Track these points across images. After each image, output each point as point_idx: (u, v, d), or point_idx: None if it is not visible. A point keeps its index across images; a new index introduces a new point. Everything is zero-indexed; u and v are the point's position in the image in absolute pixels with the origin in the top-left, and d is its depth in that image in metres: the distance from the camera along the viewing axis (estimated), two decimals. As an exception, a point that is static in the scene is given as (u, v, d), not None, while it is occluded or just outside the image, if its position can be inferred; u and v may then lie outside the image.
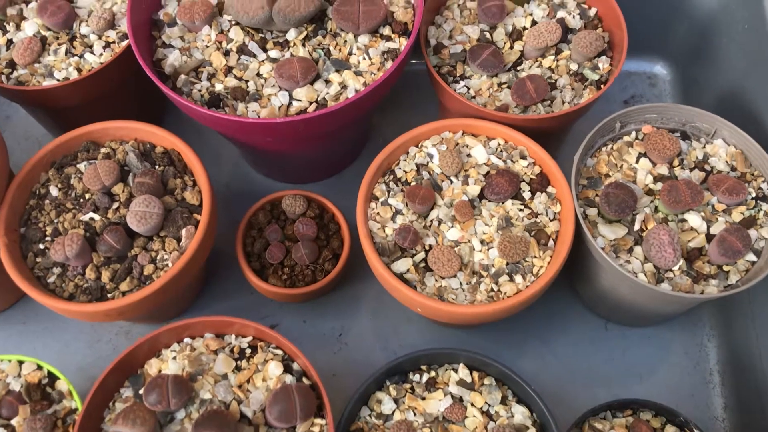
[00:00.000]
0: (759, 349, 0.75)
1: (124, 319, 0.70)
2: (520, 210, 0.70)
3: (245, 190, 0.90)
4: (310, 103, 0.71)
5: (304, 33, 0.74)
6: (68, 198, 0.72)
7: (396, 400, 0.67)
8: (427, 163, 0.73)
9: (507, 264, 0.67)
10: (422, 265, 0.68)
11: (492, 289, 0.67)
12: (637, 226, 0.69)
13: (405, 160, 0.74)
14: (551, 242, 0.69)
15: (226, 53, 0.74)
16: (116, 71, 0.77)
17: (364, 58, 0.73)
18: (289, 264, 0.75)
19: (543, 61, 0.77)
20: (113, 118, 0.77)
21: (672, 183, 0.69)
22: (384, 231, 0.69)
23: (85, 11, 0.80)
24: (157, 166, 0.74)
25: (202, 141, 0.91)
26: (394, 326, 0.81)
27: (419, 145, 0.75)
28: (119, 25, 0.79)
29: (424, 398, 0.67)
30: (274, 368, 0.64)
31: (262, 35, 0.74)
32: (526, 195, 0.71)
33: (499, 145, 0.73)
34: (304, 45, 0.73)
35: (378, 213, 0.70)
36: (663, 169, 0.72)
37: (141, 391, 0.63)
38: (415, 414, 0.65)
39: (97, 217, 0.70)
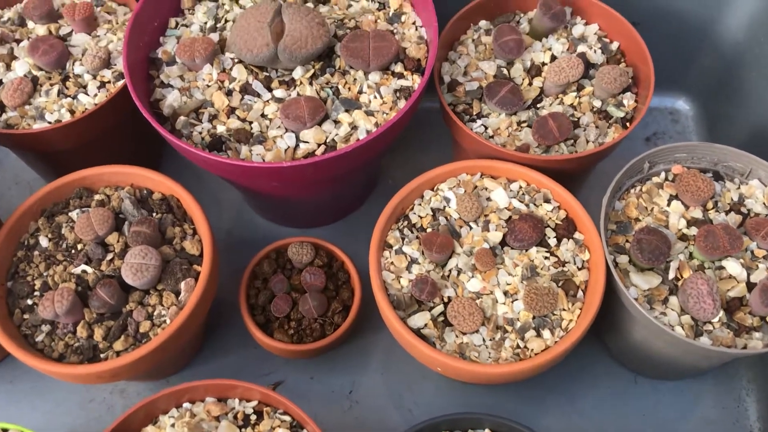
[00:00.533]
0: (804, 405, 0.69)
1: (119, 380, 0.65)
2: (546, 258, 0.65)
3: (248, 237, 0.85)
4: (319, 145, 0.67)
5: (311, 71, 0.69)
6: (59, 249, 0.67)
7: (415, 469, 0.61)
8: (444, 207, 0.68)
9: (533, 318, 0.62)
10: (441, 319, 0.63)
11: (518, 346, 0.62)
12: (671, 275, 0.64)
13: (420, 205, 0.69)
14: (580, 293, 0.64)
15: (229, 93, 0.69)
16: (111, 113, 0.73)
17: (375, 97, 0.68)
18: (296, 317, 0.70)
19: (564, 98, 0.72)
20: (108, 161, 0.72)
21: (708, 228, 0.64)
22: (399, 282, 0.64)
23: (79, 50, 0.76)
24: (154, 214, 0.69)
25: (202, 184, 0.86)
26: (407, 382, 0.76)
27: (435, 188, 0.70)
28: (115, 64, 0.75)
29: (445, 466, 0.61)
30: (282, 436, 0.58)
31: (267, 74, 0.70)
32: (552, 242, 0.66)
33: (520, 187, 0.69)
34: (311, 84, 0.69)
35: (392, 262, 0.65)
36: (697, 213, 0.67)
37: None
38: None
39: (89, 269, 0.65)
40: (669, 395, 0.75)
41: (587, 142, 0.71)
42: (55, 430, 0.71)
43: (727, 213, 0.67)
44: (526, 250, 0.65)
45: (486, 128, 0.71)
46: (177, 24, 0.75)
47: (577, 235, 0.66)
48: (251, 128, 0.68)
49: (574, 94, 0.72)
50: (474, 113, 0.72)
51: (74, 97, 0.73)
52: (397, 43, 0.69)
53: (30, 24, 0.78)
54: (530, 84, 0.73)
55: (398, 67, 0.70)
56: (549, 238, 0.66)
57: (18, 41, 0.77)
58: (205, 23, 0.74)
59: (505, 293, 0.63)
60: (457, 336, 0.62)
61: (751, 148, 0.70)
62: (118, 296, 0.63)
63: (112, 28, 0.78)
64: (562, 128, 0.68)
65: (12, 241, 0.67)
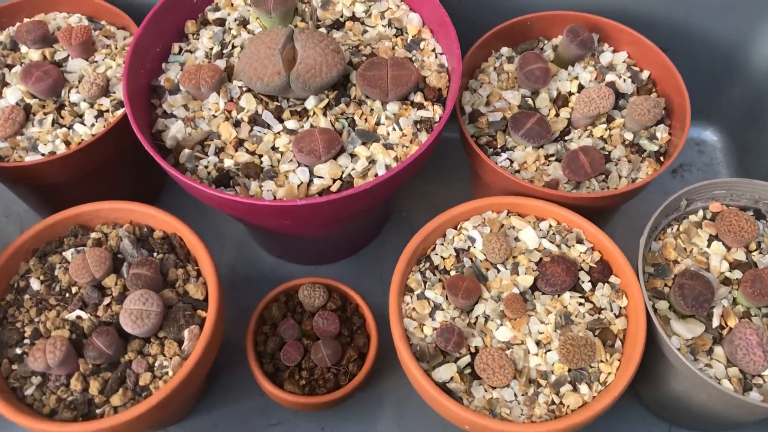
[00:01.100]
0: None
1: (116, 437, 0.59)
2: (581, 304, 0.60)
3: (254, 274, 0.80)
4: (334, 180, 0.62)
5: (325, 101, 0.65)
6: (51, 292, 0.62)
7: None
8: (469, 248, 0.63)
9: (569, 370, 0.57)
10: (468, 371, 0.58)
11: (553, 402, 0.57)
12: (715, 322, 0.59)
13: (442, 245, 0.64)
14: (618, 343, 0.59)
15: (237, 124, 0.64)
16: (110, 144, 0.68)
17: (394, 129, 0.63)
18: (308, 366, 0.65)
19: (594, 130, 0.68)
20: (105, 193, 0.68)
21: (755, 272, 0.59)
22: (422, 330, 0.59)
23: (76, 76, 0.71)
24: (155, 254, 0.64)
25: (204, 216, 0.81)
26: (425, 434, 0.71)
27: (458, 226, 0.65)
28: (114, 92, 0.70)
29: None
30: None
31: (278, 103, 0.65)
32: (586, 286, 0.61)
33: (550, 227, 0.64)
34: (325, 114, 0.64)
35: (414, 308, 0.60)
36: (739, 255, 0.62)
37: None
38: None
39: (84, 315, 0.60)
40: (706, 447, 0.70)
41: (620, 177, 0.66)
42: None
43: (771, 255, 0.63)
44: (559, 296, 0.60)
45: (512, 162, 0.67)
46: (180, 50, 0.70)
47: (612, 279, 0.61)
48: (261, 162, 0.63)
49: (604, 126, 0.68)
50: (498, 146, 0.68)
51: (70, 127, 0.68)
52: (417, 71, 0.64)
53: (23, 48, 0.73)
54: (557, 115, 0.69)
55: (418, 97, 0.65)
56: (583, 282, 0.61)
57: (10, 66, 0.72)
58: (211, 49, 0.69)
59: (538, 343, 0.58)
60: (486, 390, 0.57)
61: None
62: (116, 345, 0.58)
63: (111, 53, 0.73)
64: (594, 163, 0.64)
65: (1, 283, 0.62)
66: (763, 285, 0.58)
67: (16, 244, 0.63)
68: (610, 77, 0.71)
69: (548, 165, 0.66)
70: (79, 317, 0.60)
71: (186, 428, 0.71)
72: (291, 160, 0.62)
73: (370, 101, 0.65)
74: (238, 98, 0.65)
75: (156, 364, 0.59)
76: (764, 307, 0.60)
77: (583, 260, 0.62)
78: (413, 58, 0.68)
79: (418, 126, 0.64)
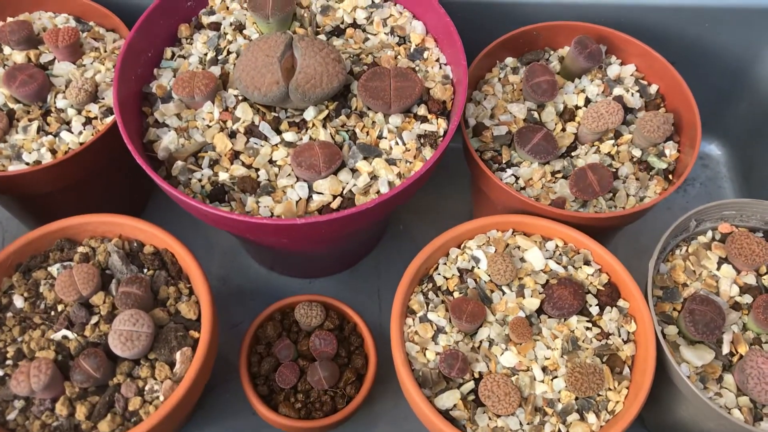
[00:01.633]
0: None
1: (102, 464, 0.57)
2: (588, 329, 0.58)
3: (246, 286, 0.77)
4: (334, 196, 0.59)
5: (325, 112, 0.62)
6: (36, 310, 0.59)
7: None
8: (473, 268, 0.61)
9: (576, 398, 0.55)
10: (472, 398, 0.56)
11: (559, 431, 0.55)
12: (725, 349, 0.58)
13: (445, 264, 0.62)
14: (626, 369, 0.57)
15: (232, 135, 0.62)
16: (98, 154, 0.65)
17: (397, 143, 0.61)
18: (304, 389, 0.62)
19: (601, 146, 0.66)
20: (91, 203, 0.65)
21: (767, 298, 0.58)
22: (425, 355, 0.57)
23: (62, 80, 0.68)
24: (145, 270, 0.61)
25: (193, 226, 0.78)
26: (424, 455, 0.68)
27: (461, 245, 0.63)
28: (103, 98, 0.67)
29: None
30: None
31: (275, 114, 0.62)
32: (594, 310, 0.59)
33: (557, 247, 0.62)
34: (325, 126, 0.62)
35: (416, 332, 0.58)
36: (750, 278, 0.61)
37: None
38: None
39: (71, 335, 0.57)
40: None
41: (627, 195, 0.64)
42: None
43: (782, 279, 0.61)
44: (566, 319, 0.58)
45: (517, 179, 0.65)
46: (173, 55, 0.67)
47: (621, 302, 0.60)
48: (258, 176, 0.60)
49: (612, 141, 0.66)
50: (503, 161, 0.66)
51: (56, 135, 0.65)
52: (421, 83, 0.62)
53: (6, 49, 0.69)
54: (563, 130, 0.67)
55: (421, 110, 0.63)
56: (590, 305, 0.59)
57: (-8, 69, 0.68)
58: (205, 54, 0.66)
59: (544, 369, 0.56)
60: (490, 419, 0.55)
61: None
62: (104, 368, 0.55)
63: (100, 56, 0.70)
64: (603, 182, 0.62)
65: (-18, 300, 0.59)
66: (775, 311, 0.57)
67: (-2, 258, 0.60)
68: (617, 91, 0.69)
69: (555, 182, 0.64)
70: (65, 337, 0.57)
71: (175, 448, 0.68)
72: (289, 175, 0.60)
73: (372, 113, 0.62)
74: (234, 107, 0.62)
75: (146, 388, 0.56)
76: (775, 333, 0.58)
77: (591, 283, 0.60)
78: (416, 68, 0.65)
79: (422, 140, 0.61)
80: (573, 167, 0.65)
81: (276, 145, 0.61)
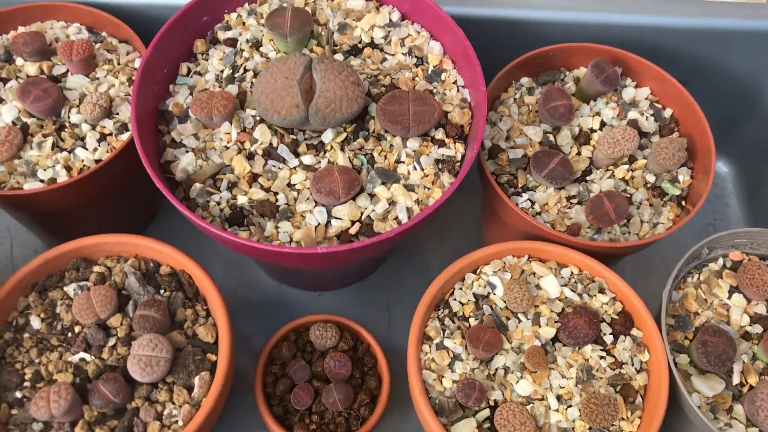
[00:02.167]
0: None
1: (121, 486, 0.57)
2: (602, 358, 0.59)
3: (255, 299, 0.77)
4: (353, 222, 0.59)
5: (343, 135, 0.62)
6: (53, 332, 0.59)
7: None
8: (488, 294, 0.61)
9: (590, 428, 0.56)
10: (487, 425, 0.57)
11: (574, 461, 0.56)
12: (735, 380, 0.59)
13: (461, 289, 0.62)
14: (639, 399, 0.58)
15: (250, 156, 0.61)
16: (113, 171, 0.65)
17: (415, 168, 0.61)
18: (318, 410, 0.63)
19: (615, 171, 0.66)
20: (102, 217, 0.65)
21: (778, 329, 0.59)
22: (441, 383, 0.58)
23: (76, 93, 0.67)
24: (162, 291, 0.61)
25: (202, 237, 0.78)
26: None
27: (477, 270, 0.63)
28: (117, 113, 0.67)
29: None
30: None
31: (294, 136, 0.62)
32: (608, 339, 0.60)
33: (572, 274, 0.63)
34: (343, 149, 0.62)
35: (433, 359, 0.59)
36: (760, 308, 0.62)
37: None
38: None
39: (89, 357, 0.58)
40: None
41: (642, 222, 0.65)
42: None
43: (792, 308, 0.62)
44: (580, 348, 0.59)
45: (533, 203, 0.65)
46: (189, 71, 0.66)
47: (634, 331, 0.60)
48: (276, 200, 0.60)
49: (626, 166, 0.66)
50: (519, 185, 0.66)
51: (71, 151, 0.64)
52: (440, 107, 0.62)
53: (19, 60, 0.69)
54: (579, 153, 0.67)
55: (439, 134, 0.63)
56: (605, 334, 0.60)
57: (5, 80, 0.68)
58: (222, 72, 0.66)
59: (559, 398, 0.57)
60: (506, 448, 0.56)
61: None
62: (123, 393, 0.56)
63: (113, 69, 0.69)
64: (619, 210, 0.62)
65: (-2, 320, 0.59)
66: (785, 343, 0.58)
67: (15, 278, 0.60)
68: (632, 114, 0.69)
69: (570, 207, 0.65)
70: (83, 359, 0.58)
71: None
72: (308, 199, 0.60)
73: (390, 136, 0.62)
74: (252, 128, 0.62)
75: (165, 413, 0.56)
76: (785, 364, 0.59)
77: (605, 311, 0.61)
78: (434, 90, 0.65)
79: (440, 166, 0.62)
80: (588, 192, 0.65)
81: (294, 168, 0.61)
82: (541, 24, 0.75)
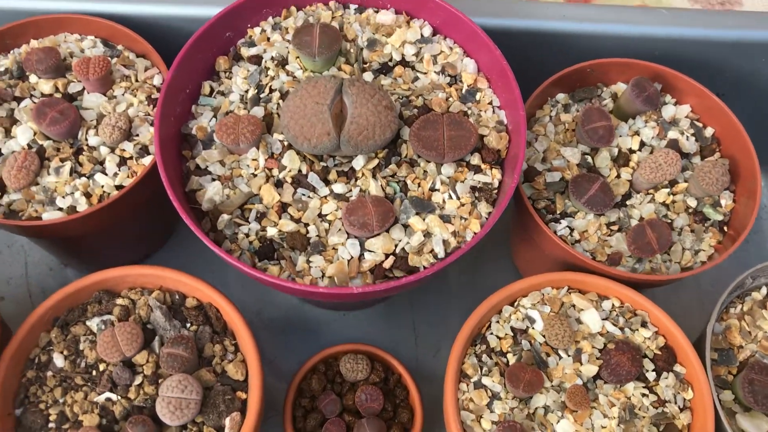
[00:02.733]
0: None
1: None
2: (644, 395, 0.57)
3: (278, 320, 0.75)
4: (387, 255, 0.57)
5: (375, 161, 0.59)
6: (77, 370, 0.57)
7: None
8: (527, 328, 0.59)
9: (634, 471, 0.55)
10: (527, 468, 0.55)
11: (618, 506, 0.54)
12: (782, 417, 0.57)
13: (498, 323, 0.60)
14: (683, 439, 0.57)
15: (278, 184, 0.59)
16: (134, 198, 0.62)
17: (450, 197, 0.58)
18: (351, 445, 0.61)
19: (656, 195, 0.64)
20: (122, 240, 0.62)
21: (826, 367, 0.57)
22: (480, 425, 0.56)
23: (93, 113, 0.64)
24: (188, 325, 0.59)
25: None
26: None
27: (515, 303, 0.61)
28: (137, 135, 0.64)
29: None
30: None
31: (324, 163, 0.60)
32: (650, 375, 0.58)
33: (614, 307, 0.60)
34: (374, 176, 0.59)
35: (471, 399, 0.57)
36: (806, 341, 0.60)
37: None
38: None
39: (115, 397, 0.56)
40: None
41: (683, 250, 0.62)
42: None
43: (838, 341, 0.60)
44: (622, 386, 0.57)
45: (572, 230, 0.63)
46: (212, 90, 0.63)
47: (677, 367, 0.58)
48: (307, 232, 0.57)
49: (667, 190, 0.64)
50: (557, 211, 0.63)
51: (90, 177, 0.62)
52: (476, 131, 0.59)
53: (32, 77, 0.65)
54: (618, 176, 0.65)
55: (475, 159, 0.60)
56: (647, 371, 0.58)
57: (19, 99, 0.65)
58: (246, 91, 0.63)
59: (601, 439, 0.56)
60: (547, 492, 0.54)
61: None
62: (152, 436, 0.54)
63: (131, 86, 0.66)
64: (662, 240, 0.60)
65: (20, 357, 0.57)
66: (834, 382, 0.56)
67: (36, 313, 0.58)
68: (672, 134, 0.66)
69: (610, 235, 0.62)
70: (108, 399, 0.56)
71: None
72: (340, 230, 0.57)
73: (423, 162, 0.60)
74: (280, 154, 0.59)
75: (195, 455, 0.54)
76: (832, 401, 0.58)
77: (647, 347, 0.59)
78: (469, 112, 0.62)
79: (477, 194, 0.59)
80: (628, 218, 0.63)
81: (325, 197, 0.58)
82: (576, 36, 0.72)
